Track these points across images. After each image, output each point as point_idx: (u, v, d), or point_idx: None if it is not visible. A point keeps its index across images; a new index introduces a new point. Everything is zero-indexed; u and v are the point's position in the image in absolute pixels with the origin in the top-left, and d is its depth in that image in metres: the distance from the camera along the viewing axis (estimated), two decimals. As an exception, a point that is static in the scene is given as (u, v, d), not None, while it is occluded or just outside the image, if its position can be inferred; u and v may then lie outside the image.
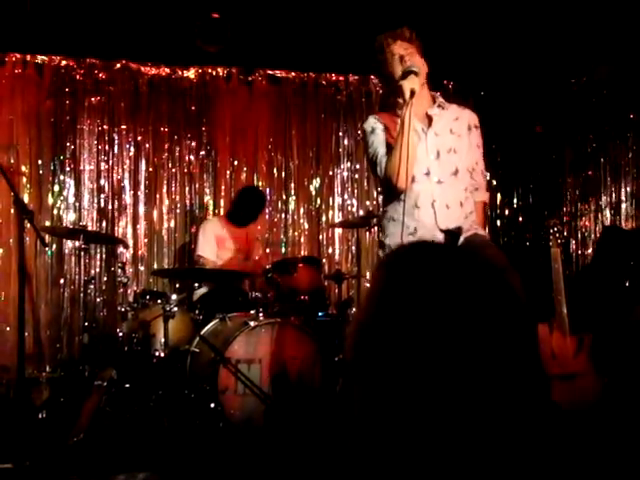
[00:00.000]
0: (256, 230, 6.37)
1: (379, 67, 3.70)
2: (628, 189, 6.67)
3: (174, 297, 5.05)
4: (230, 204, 6.43)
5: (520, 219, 7.46)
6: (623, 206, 6.67)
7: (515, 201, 7.48)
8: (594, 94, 6.88)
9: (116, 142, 6.64)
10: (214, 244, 6.05)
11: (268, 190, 6.93)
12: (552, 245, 4.78)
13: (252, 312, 5.11)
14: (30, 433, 4.63)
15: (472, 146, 3.68)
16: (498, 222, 7.45)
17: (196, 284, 5.48)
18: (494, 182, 7.44)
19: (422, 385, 1.07)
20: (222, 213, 6.55)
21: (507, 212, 7.47)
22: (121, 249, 6.54)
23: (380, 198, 7.19)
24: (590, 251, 6.92)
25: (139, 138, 6.68)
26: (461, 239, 3.51)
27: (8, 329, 6.23)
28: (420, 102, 3.50)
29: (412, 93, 3.37)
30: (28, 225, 4.47)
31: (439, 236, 3.47)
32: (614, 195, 6.82)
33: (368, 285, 6.63)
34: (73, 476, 4.16)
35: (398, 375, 1.09)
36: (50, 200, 6.46)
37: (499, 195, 7.47)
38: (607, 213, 6.84)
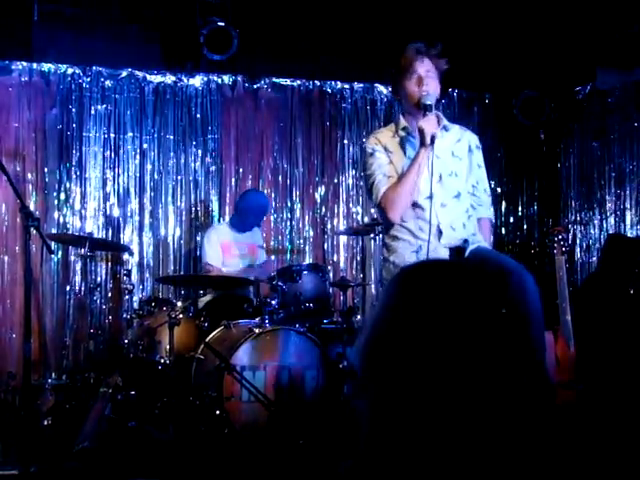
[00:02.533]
0: (261, 236, 6.38)
1: (395, 72, 3.67)
2: (633, 197, 6.67)
3: (179, 304, 5.06)
4: (233, 210, 6.44)
5: (525, 227, 7.46)
6: (628, 214, 6.67)
7: (520, 209, 7.48)
8: (599, 102, 6.89)
9: (122, 150, 6.66)
10: (220, 251, 6.06)
11: (273, 197, 6.94)
12: (556, 253, 4.80)
13: (257, 319, 5.12)
14: (35, 440, 4.64)
15: (473, 167, 3.70)
16: (503, 230, 7.45)
17: (201, 291, 5.49)
18: (498, 190, 7.45)
19: (435, 397, 1.08)
20: (227, 220, 6.55)
21: (512, 220, 7.47)
22: (126, 256, 6.56)
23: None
24: (594, 259, 6.92)
25: (145, 146, 6.70)
26: (467, 252, 3.52)
27: (14, 336, 6.25)
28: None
29: (433, 139, 3.38)
30: (34, 232, 4.48)
31: (444, 254, 3.50)
32: (619, 203, 6.82)
33: (376, 301, 6.63)
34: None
35: (412, 386, 1.10)
36: (56, 208, 6.48)
37: (504, 203, 7.47)
38: (611, 221, 6.84)
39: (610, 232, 6.75)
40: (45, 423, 4.89)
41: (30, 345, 4.26)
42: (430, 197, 3.51)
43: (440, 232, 3.53)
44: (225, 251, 6.06)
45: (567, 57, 6.55)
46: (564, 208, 7.26)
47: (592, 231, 7.03)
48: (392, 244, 3.63)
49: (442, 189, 3.55)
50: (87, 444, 4.53)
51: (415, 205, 3.54)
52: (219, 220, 6.74)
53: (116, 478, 4.05)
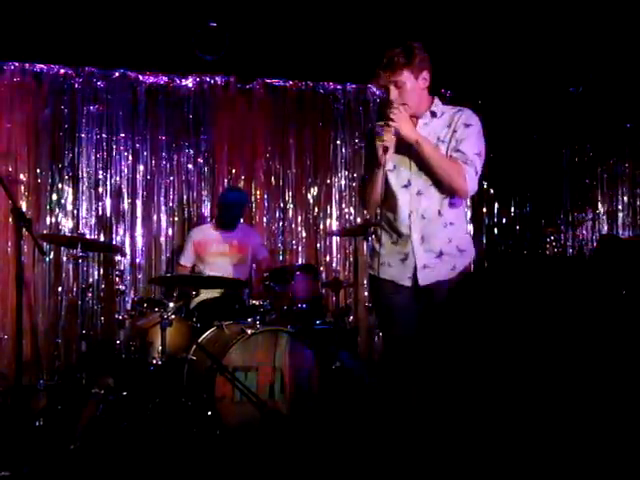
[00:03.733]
0: (250, 234, 6.30)
1: None
2: (625, 198, 6.70)
3: (171, 305, 5.05)
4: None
5: (517, 227, 7.47)
6: (620, 215, 6.69)
7: (512, 209, 7.49)
8: (591, 103, 6.91)
9: (114, 150, 6.65)
10: (192, 250, 6.07)
11: (266, 198, 6.94)
12: (549, 253, 4.81)
13: (249, 320, 5.12)
14: (28, 441, 4.63)
15: (451, 142, 3.62)
16: (495, 230, 7.47)
17: (193, 292, 5.48)
18: (491, 191, 7.46)
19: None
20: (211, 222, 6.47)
21: (504, 220, 7.48)
22: (119, 257, 6.55)
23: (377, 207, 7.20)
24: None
25: (137, 146, 6.70)
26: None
27: (6, 337, 6.24)
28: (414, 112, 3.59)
29: (385, 150, 3.43)
30: (26, 233, 4.47)
31: (414, 248, 3.56)
32: (611, 204, 6.84)
33: (368, 302, 6.63)
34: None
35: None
36: (48, 208, 6.47)
37: (496, 204, 7.48)
38: (604, 222, 6.86)
39: (603, 233, 6.77)
40: (37, 424, 4.88)
41: (22, 346, 4.26)
42: (407, 186, 3.56)
43: (411, 222, 3.56)
44: (201, 250, 6.05)
45: (560, 57, 6.56)
46: (557, 209, 7.27)
47: (584, 232, 7.05)
48: (381, 234, 3.69)
49: (419, 177, 3.56)
50: (79, 445, 4.52)
51: (392, 195, 3.58)
52: (211, 220, 6.73)
53: (108, 479, 4.04)
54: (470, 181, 3.54)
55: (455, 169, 3.53)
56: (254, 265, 6.22)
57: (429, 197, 3.57)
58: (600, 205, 6.95)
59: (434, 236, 3.57)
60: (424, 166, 3.53)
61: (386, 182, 3.57)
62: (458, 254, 3.62)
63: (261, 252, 6.21)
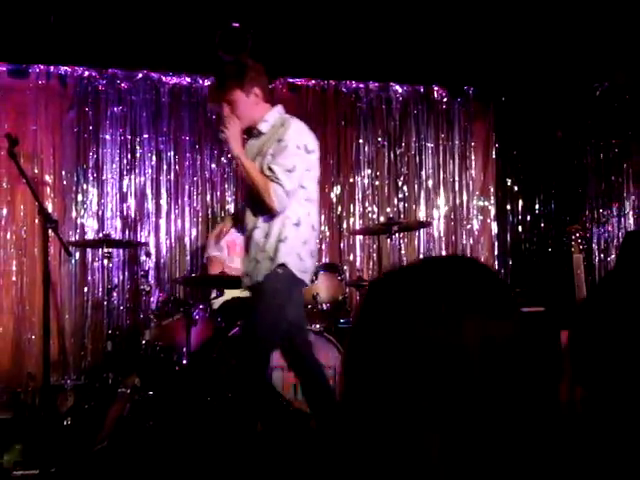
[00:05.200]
0: None
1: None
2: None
3: (197, 304, 5.07)
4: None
5: (542, 225, 7.43)
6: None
7: (537, 207, 7.44)
8: (616, 99, 6.86)
9: (138, 151, 6.68)
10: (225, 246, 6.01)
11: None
12: (574, 251, 4.78)
13: (274, 319, 5.12)
14: (55, 440, 4.67)
15: (268, 157, 3.91)
16: (520, 228, 7.43)
17: (218, 292, 5.48)
18: (515, 188, 7.42)
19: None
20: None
21: (529, 218, 7.44)
22: (143, 257, 6.57)
23: (400, 205, 7.20)
24: (613, 257, 6.88)
25: (161, 147, 6.73)
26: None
27: (33, 337, 6.29)
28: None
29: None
30: (52, 234, 4.51)
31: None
32: (637, 200, 6.78)
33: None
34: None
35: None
36: (73, 209, 6.51)
37: (521, 201, 7.44)
38: (630, 219, 6.81)
39: (628, 230, 6.71)
40: (64, 423, 4.92)
41: (49, 346, 4.29)
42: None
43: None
44: (230, 249, 6.03)
45: (585, 54, 6.51)
46: (582, 206, 7.22)
47: (610, 229, 7.00)
48: None
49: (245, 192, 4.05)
50: (106, 444, 4.55)
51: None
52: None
53: (134, 479, 4.06)
54: (276, 200, 3.80)
55: (264, 187, 3.80)
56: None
57: (250, 209, 3.97)
58: (626, 202, 6.90)
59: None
60: (244, 181, 3.96)
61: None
62: (270, 261, 3.92)
63: None
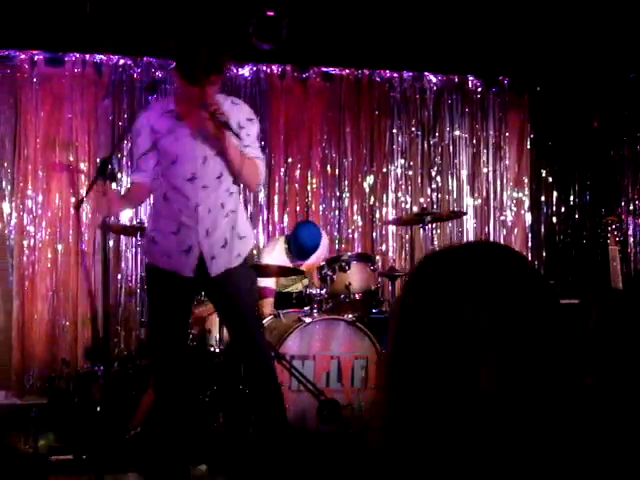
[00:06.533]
0: (322, 253, 5.82)
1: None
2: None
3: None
4: (288, 238, 5.83)
5: (577, 217, 7.36)
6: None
7: (572, 198, 7.37)
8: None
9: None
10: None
11: (322, 186, 6.94)
12: (610, 243, 4.74)
13: (306, 309, 5.13)
14: (89, 426, 4.72)
15: (244, 138, 3.71)
16: (554, 219, 7.36)
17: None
18: (550, 179, 7.36)
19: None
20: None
21: (563, 209, 7.37)
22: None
23: (434, 195, 7.16)
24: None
25: (195, 136, 6.74)
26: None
27: (67, 324, 6.35)
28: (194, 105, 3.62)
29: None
30: (85, 221, 4.53)
31: (201, 238, 3.66)
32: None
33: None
34: (131, 468, 4.24)
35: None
36: (108, 197, 6.54)
37: (555, 192, 7.38)
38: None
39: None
40: (98, 410, 4.97)
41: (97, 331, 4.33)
42: (191, 179, 3.64)
43: (198, 215, 3.66)
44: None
45: (621, 42, 6.42)
46: (617, 197, 7.13)
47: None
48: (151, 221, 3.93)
49: (205, 171, 3.66)
50: (139, 431, 4.60)
51: (176, 187, 3.68)
52: (267, 209, 6.74)
53: (167, 465, 4.09)
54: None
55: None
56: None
57: (214, 190, 3.67)
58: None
59: (219, 227, 3.69)
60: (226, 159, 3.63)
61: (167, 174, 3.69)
62: (239, 241, 3.77)
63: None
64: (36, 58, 6.41)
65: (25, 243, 6.34)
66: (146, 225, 3.75)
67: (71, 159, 6.43)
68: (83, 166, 6.49)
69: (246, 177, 3.71)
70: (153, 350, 3.86)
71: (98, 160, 3.12)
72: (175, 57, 3.68)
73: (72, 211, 6.27)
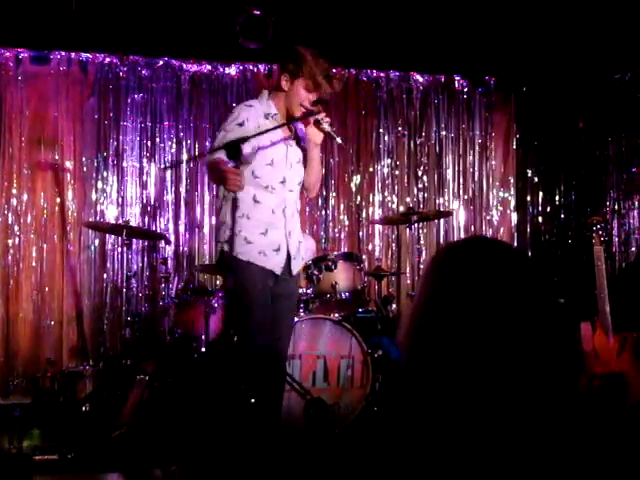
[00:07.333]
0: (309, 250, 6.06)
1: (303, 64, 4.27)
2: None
3: (215, 292, 5.08)
4: None
5: (562, 216, 7.38)
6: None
7: (557, 198, 7.40)
8: (638, 89, 6.79)
9: (158, 138, 6.69)
10: None
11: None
12: (595, 243, 4.75)
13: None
14: (74, 425, 4.70)
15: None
16: (540, 219, 7.39)
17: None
18: (535, 179, 7.38)
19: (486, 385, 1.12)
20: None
21: (549, 209, 7.40)
22: (163, 244, 6.59)
23: (420, 195, 7.18)
24: (633, 249, 6.83)
25: (181, 135, 6.73)
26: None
27: (52, 323, 6.32)
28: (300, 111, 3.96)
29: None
30: (71, 220, 4.52)
31: (287, 238, 3.93)
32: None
33: (412, 291, 6.58)
34: (116, 468, 4.22)
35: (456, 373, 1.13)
36: (93, 196, 6.53)
37: (541, 192, 7.40)
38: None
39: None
40: (83, 409, 4.95)
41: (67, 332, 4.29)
42: (283, 182, 3.92)
43: (285, 217, 3.96)
44: None
45: (606, 44, 6.45)
46: (602, 197, 7.16)
47: (631, 221, 6.94)
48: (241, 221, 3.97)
49: (293, 176, 3.97)
50: (125, 430, 4.58)
51: (268, 188, 3.90)
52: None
53: (152, 464, 4.08)
54: None
55: None
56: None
57: (296, 195, 4.03)
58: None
59: (296, 229, 4.04)
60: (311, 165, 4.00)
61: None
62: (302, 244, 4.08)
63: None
64: (21, 56, 6.38)
65: (10, 242, 6.31)
66: (227, 225, 3.80)
67: (56, 158, 6.40)
68: (69, 165, 6.46)
69: (318, 184, 4.19)
70: (254, 346, 3.87)
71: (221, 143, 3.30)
72: (305, 64, 4.15)
73: (57, 210, 6.23)
